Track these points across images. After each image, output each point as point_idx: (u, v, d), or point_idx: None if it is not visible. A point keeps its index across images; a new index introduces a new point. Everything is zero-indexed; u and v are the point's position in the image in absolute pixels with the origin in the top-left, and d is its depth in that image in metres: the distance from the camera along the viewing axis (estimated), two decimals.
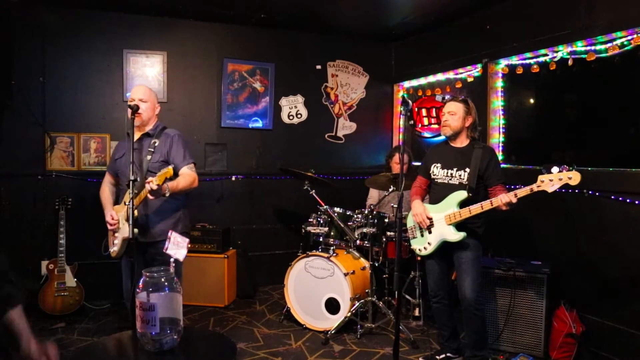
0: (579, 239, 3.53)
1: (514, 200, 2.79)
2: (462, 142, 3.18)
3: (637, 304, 3.09)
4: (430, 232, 3.16)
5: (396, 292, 2.77)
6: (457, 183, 3.10)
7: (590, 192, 3.39)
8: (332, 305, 3.83)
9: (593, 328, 3.32)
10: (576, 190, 3.46)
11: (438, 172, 3.21)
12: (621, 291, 3.21)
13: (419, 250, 3.25)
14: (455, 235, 3.02)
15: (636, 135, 3.41)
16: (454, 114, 3.13)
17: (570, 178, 2.63)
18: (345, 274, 3.74)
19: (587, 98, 3.78)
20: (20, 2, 4.25)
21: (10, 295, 1.49)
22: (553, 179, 2.67)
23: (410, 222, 3.34)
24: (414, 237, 3.31)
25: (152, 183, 2.62)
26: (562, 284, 3.51)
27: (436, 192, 3.22)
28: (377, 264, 4.08)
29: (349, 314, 3.74)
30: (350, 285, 3.72)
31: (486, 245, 3.50)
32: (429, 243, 3.17)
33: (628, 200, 3.17)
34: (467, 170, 3.06)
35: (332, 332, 3.73)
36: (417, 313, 4.15)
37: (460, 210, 2.99)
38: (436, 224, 3.12)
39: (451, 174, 3.14)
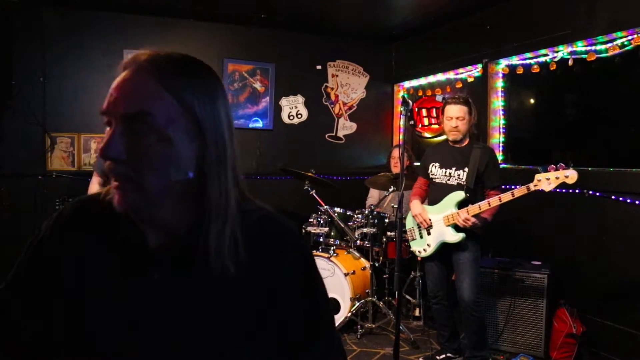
0: (579, 239, 3.53)
1: (510, 198, 2.78)
2: (462, 141, 3.17)
3: (637, 304, 3.09)
4: (429, 234, 3.16)
5: (396, 292, 2.77)
6: (455, 183, 3.09)
7: (590, 192, 3.39)
8: (332, 305, 3.84)
9: (593, 328, 3.32)
10: (576, 190, 3.46)
11: (436, 171, 3.20)
12: (622, 291, 3.21)
13: (419, 252, 3.25)
14: (455, 237, 3.02)
15: (636, 135, 3.41)
16: (463, 118, 3.09)
17: (567, 177, 2.63)
18: (346, 274, 3.74)
19: (588, 98, 3.79)
20: (21, 2, 4.25)
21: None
22: (550, 178, 2.66)
23: (409, 224, 3.34)
24: (413, 239, 3.31)
25: None
26: (562, 284, 3.51)
27: (434, 193, 3.21)
28: (377, 264, 4.08)
29: (349, 314, 3.74)
30: (350, 286, 3.72)
31: (486, 245, 3.50)
32: (428, 245, 3.17)
33: (628, 200, 3.16)
34: (466, 170, 3.05)
35: None
36: (417, 313, 4.14)
37: (459, 211, 2.99)
38: (435, 225, 3.12)
39: (449, 173, 3.13)
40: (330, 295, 3.83)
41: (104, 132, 0.82)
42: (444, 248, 3.12)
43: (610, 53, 3.33)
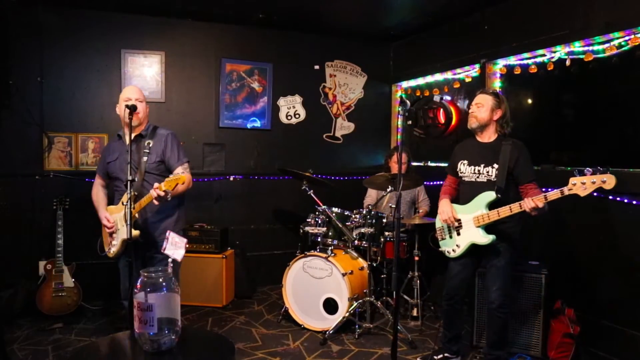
0: (577, 239, 3.53)
1: (541, 205, 2.67)
2: (489, 136, 3.08)
3: (635, 304, 3.10)
4: (458, 234, 3.07)
5: (394, 292, 2.77)
6: (485, 180, 3.00)
7: None
8: (331, 306, 3.83)
9: (591, 328, 3.32)
10: None
11: (465, 169, 3.11)
12: (619, 291, 3.22)
13: (448, 252, 3.16)
14: (484, 239, 2.92)
15: (635, 135, 3.42)
16: (481, 105, 3.03)
17: (604, 181, 2.50)
18: (344, 274, 3.74)
19: (585, 98, 3.79)
20: (19, 1, 4.24)
21: None
22: (586, 182, 2.55)
23: (438, 223, 3.24)
24: (442, 239, 3.21)
25: (160, 189, 2.61)
26: (560, 284, 3.51)
27: (465, 192, 3.12)
28: (375, 264, 4.09)
29: (347, 314, 3.74)
30: (348, 286, 3.72)
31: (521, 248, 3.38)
32: (457, 245, 3.08)
33: (626, 200, 3.17)
34: (495, 166, 2.95)
35: (331, 332, 3.73)
36: (415, 313, 4.15)
37: (489, 212, 2.89)
38: (465, 225, 3.03)
39: (478, 170, 3.04)
40: (328, 295, 3.83)
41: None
42: (475, 249, 3.03)
43: (607, 53, 3.33)
